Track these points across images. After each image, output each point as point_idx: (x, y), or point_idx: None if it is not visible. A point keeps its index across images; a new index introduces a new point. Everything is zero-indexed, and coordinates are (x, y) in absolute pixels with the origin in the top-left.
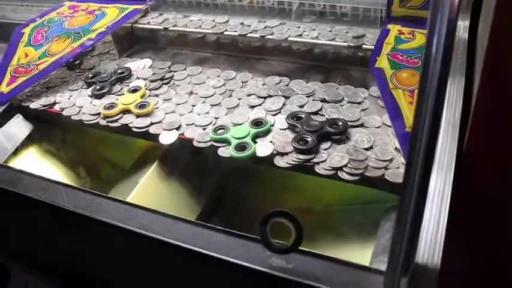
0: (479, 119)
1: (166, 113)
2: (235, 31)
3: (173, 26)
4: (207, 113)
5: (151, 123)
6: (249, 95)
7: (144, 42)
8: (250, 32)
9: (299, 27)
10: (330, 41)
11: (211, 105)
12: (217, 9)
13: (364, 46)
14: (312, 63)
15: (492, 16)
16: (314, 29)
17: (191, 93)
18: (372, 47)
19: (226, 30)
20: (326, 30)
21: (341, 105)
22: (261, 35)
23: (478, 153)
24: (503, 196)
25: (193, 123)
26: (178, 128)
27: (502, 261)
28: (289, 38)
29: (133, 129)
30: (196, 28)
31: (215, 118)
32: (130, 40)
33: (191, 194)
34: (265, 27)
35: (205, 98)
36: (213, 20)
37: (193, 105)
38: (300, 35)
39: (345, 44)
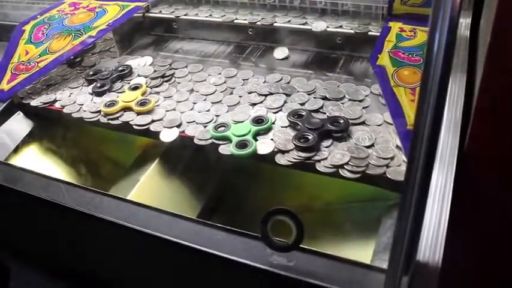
0: (481, 116)
1: (167, 111)
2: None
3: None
4: (208, 110)
5: (152, 121)
6: (250, 93)
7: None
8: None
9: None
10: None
11: (212, 102)
12: (218, 5)
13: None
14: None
15: (494, 13)
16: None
17: (192, 90)
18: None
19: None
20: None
21: (342, 103)
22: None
23: (479, 150)
24: (504, 194)
25: (194, 121)
26: (179, 126)
27: (503, 259)
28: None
29: (134, 126)
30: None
31: (216, 116)
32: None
33: (192, 192)
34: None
35: (206, 95)
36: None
37: (194, 103)
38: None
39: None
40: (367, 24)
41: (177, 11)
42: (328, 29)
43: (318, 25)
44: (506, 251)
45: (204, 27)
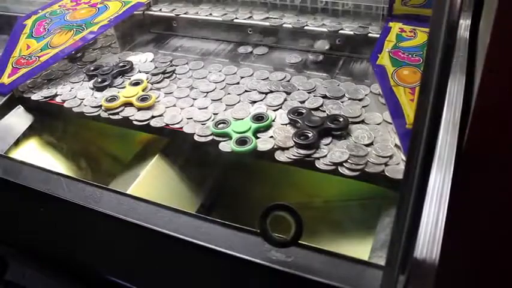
0: (480, 117)
1: (166, 107)
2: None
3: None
4: (206, 108)
5: (152, 116)
6: (250, 90)
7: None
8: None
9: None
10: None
11: (212, 100)
12: (218, 3)
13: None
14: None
15: (494, 14)
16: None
17: (192, 87)
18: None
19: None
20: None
21: (342, 102)
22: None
23: (478, 150)
24: (502, 193)
25: (194, 118)
26: (179, 122)
27: (499, 259)
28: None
29: (134, 122)
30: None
31: (214, 114)
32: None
33: (191, 188)
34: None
35: (207, 92)
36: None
37: (195, 99)
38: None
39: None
40: (367, 25)
41: (178, 8)
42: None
43: (320, 44)
44: (502, 250)
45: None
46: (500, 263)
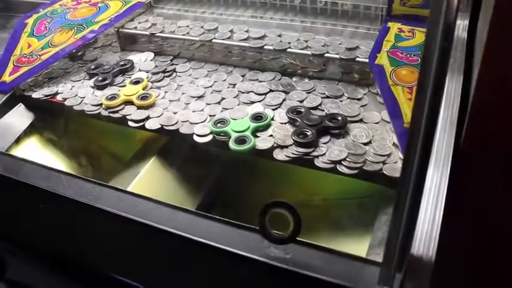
0: (477, 116)
1: (164, 108)
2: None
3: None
4: (202, 110)
5: (148, 117)
6: (249, 91)
7: None
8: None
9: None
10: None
11: (212, 98)
12: (218, 4)
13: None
14: None
15: (491, 13)
16: None
17: (192, 85)
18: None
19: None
20: None
21: (341, 101)
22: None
23: (474, 149)
24: (499, 190)
25: (194, 117)
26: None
27: (497, 255)
28: None
29: (129, 122)
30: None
31: (210, 116)
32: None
33: (191, 186)
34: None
35: (205, 91)
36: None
37: (194, 98)
38: None
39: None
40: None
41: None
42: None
43: None
44: (499, 248)
45: None
46: (497, 260)
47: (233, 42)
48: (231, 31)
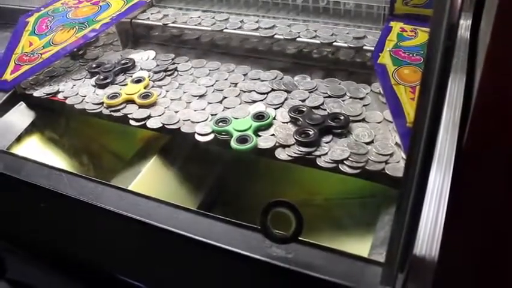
0: (479, 115)
1: (166, 107)
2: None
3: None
4: (204, 109)
5: (150, 116)
6: (251, 90)
7: None
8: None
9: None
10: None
11: (214, 97)
12: (221, 3)
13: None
14: None
15: (494, 13)
16: None
17: (193, 84)
18: None
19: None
20: None
21: (343, 100)
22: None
23: (477, 149)
24: (501, 191)
25: (195, 116)
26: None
27: (500, 256)
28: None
29: (130, 121)
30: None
31: (211, 115)
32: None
33: (192, 185)
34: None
35: (206, 90)
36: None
37: (196, 97)
38: None
39: None
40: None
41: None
42: None
43: None
44: (502, 248)
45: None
46: (500, 260)
47: (244, 32)
48: (242, 21)
